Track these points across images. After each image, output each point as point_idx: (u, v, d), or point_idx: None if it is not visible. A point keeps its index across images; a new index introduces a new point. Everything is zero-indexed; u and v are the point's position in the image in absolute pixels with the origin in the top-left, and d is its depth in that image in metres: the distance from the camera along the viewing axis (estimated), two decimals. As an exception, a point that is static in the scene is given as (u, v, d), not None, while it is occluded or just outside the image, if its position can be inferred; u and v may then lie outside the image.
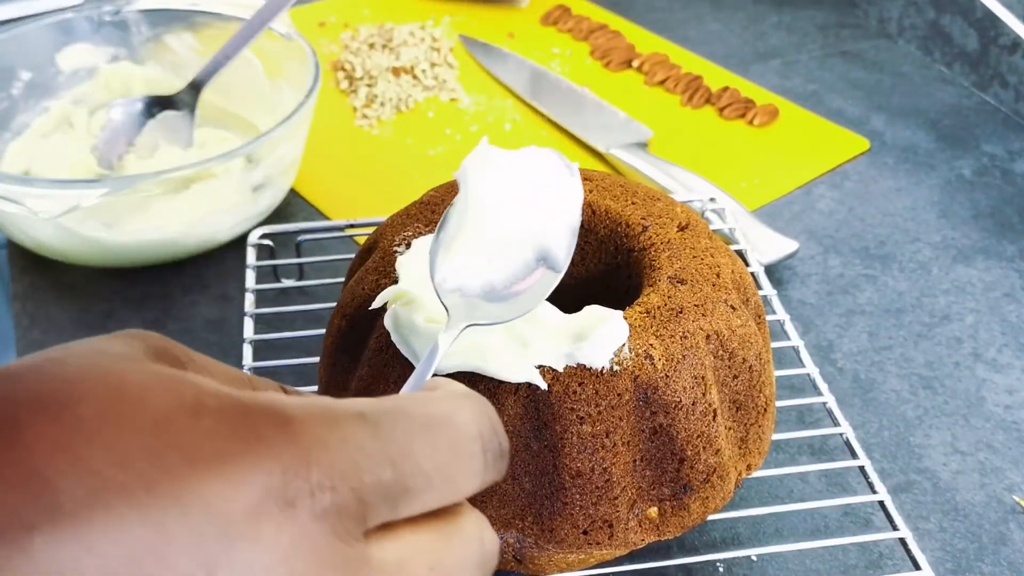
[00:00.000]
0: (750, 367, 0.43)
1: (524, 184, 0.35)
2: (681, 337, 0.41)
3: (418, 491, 0.22)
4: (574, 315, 0.41)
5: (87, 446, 0.19)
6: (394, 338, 0.40)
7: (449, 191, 0.48)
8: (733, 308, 0.43)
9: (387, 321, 0.40)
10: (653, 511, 0.41)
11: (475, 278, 0.33)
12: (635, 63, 0.85)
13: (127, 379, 0.21)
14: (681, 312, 0.41)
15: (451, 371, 0.39)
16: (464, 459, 0.23)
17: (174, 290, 0.62)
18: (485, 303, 0.33)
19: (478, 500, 0.40)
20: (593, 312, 0.41)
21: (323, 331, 0.48)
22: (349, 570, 0.21)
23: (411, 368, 0.40)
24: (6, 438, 0.19)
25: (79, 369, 0.21)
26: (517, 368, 0.38)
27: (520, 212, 0.34)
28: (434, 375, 0.33)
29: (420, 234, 0.45)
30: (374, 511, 0.21)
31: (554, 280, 0.34)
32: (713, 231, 0.48)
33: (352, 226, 0.59)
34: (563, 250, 0.34)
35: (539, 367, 0.39)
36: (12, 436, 0.19)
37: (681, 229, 0.46)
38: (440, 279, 0.33)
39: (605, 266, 0.48)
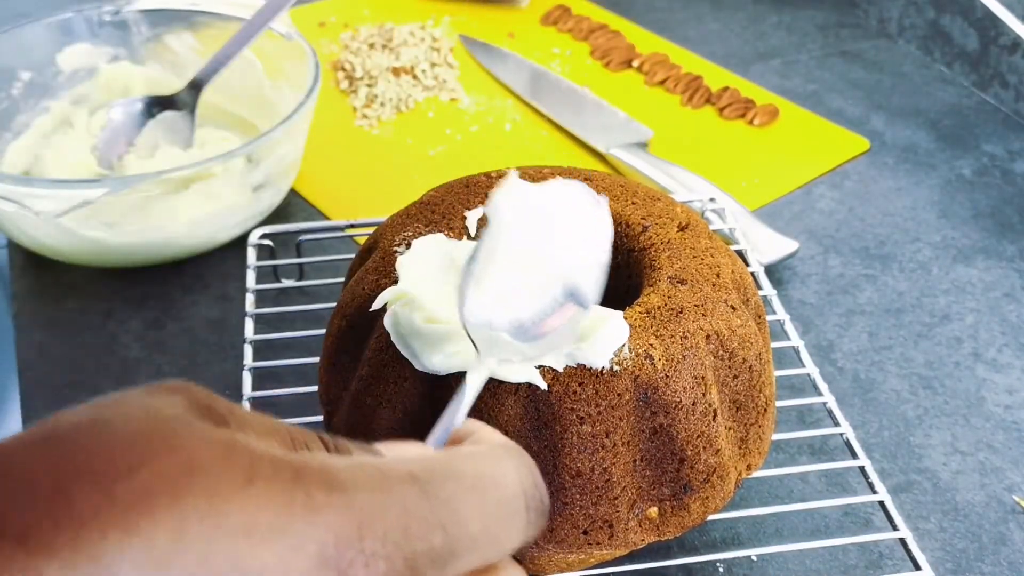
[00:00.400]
0: (750, 367, 0.43)
1: (553, 219, 0.34)
2: (681, 337, 0.41)
3: (465, 552, 0.22)
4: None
5: (141, 519, 0.19)
6: (393, 339, 0.40)
7: (449, 191, 0.48)
8: (733, 308, 0.43)
9: (387, 322, 0.40)
10: (653, 511, 0.41)
11: (504, 314, 0.33)
12: (635, 63, 0.85)
13: (179, 444, 0.20)
14: (681, 312, 0.41)
15: (452, 371, 0.39)
16: (509, 519, 0.24)
17: (174, 290, 0.62)
18: (513, 340, 0.32)
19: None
20: (594, 312, 0.41)
21: (323, 331, 0.48)
22: None
23: (411, 368, 0.40)
24: (57, 514, 0.19)
25: (128, 433, 0.20)
26: (517, 368, 0.38)
27: (550, 248, 0.34)
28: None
29: (420, 234, 0.45)
30: (426, 572, 0.21)
31: (582, 316, 0.33)
32: (713, 231, 0.48)
33: (352, 226, 0.59)
34: (592, 286, 0.33)
35: (539, 367, 0.39)
36: (64, 512, 0.19)
37: (681, 229, 0.46)
38: (468, 313, 0.33)
39: (605, 266, 0.48)
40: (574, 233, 0.34)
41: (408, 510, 0.21)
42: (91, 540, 0.18)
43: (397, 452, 0.26)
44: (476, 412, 0.39)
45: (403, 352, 0.40)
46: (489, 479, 0.23)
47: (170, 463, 0.20)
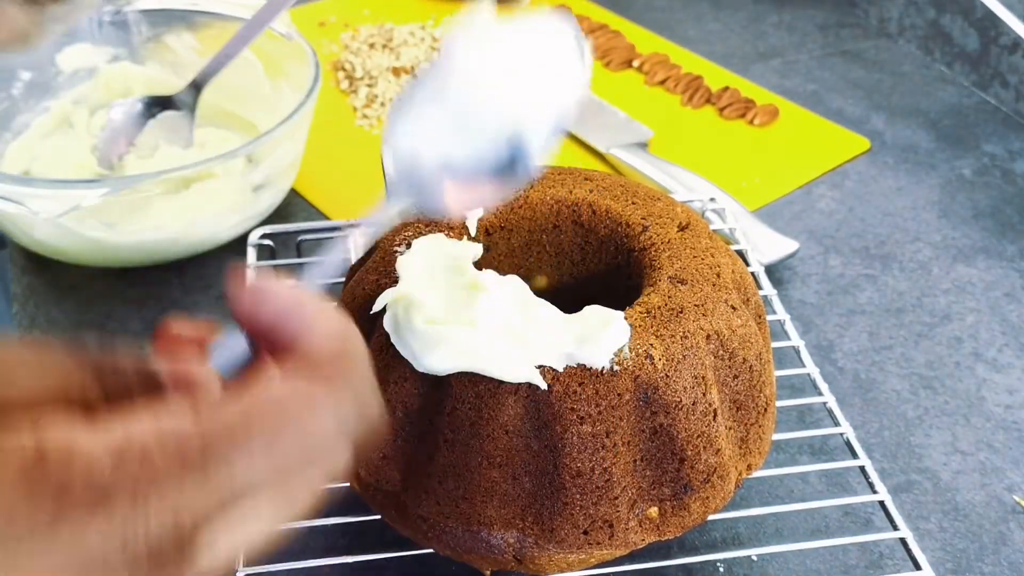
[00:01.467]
0: (750, 367, 0.43)
1: (518, 57, 0.29)
2: (681, 337, 0.41)
3: (243, 497, 0.22)
4: (575, 315, 0.41)
5: None
6: (393, 339, 0.40)
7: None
8: (733, 308, 0.43)
9: (386, 323, 0.40)
10: (653, 511, 0.41)
11: (433, 146, 0.29)
12: (635, 63, 0.85)
13: None
14: (681, 312, 0.41)
15: (452, 371, 0.39)
16: (312, 460, 0.23)
17: (174, 290, 0.62)
18: (433, 186, 0.28)
19: (478, 500, 0.40)
20: (594, 313, 0.41)
21: (323, 331, 0.48)
22: None
23: (411, 369, 0.40)
24: None
25: None
26: (517, 368, 0.38)
27: (503, 88, 0.29)
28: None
29: (420, 234, 0.45)
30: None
31: (514, 185, 0.29)
32: (713, 231, 0.48)
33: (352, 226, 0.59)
34: (539, 142, 0.29)
35: (539, 367, 0.39)
36: None
37: (681, 229, 0.46)
38: (392, 140, 0.29)
39: (605, 266, 0.48)
40: (539, 77, 0.30)
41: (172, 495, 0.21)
42: None
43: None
44: (476, 411, 0.39)
45: (403, 352, 0.40)
46: (288, 433, 0.22)
47: None
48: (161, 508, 0.20)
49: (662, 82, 0.82)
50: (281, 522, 0.23)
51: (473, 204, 0.29)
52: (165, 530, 0.20)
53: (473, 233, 0.46)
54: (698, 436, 0.40)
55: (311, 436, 0.23)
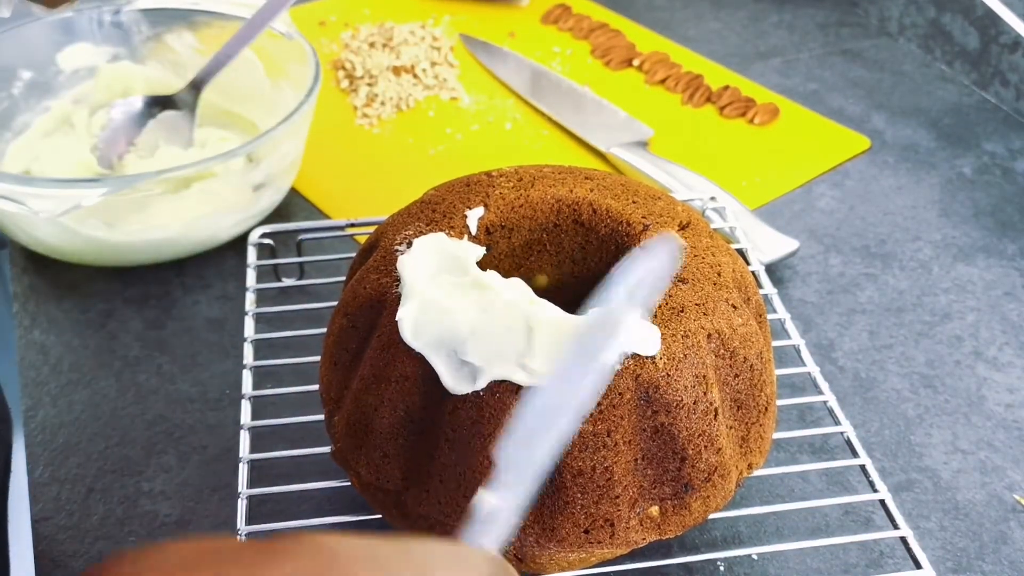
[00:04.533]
0: (751, 366, 0.43)
1: None
2: (682, 336, 0.41)
3: None
4: (579, 316, 0.41)
5: None
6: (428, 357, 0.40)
7: (450, 190, 0.48)
8: (734, 307, 0.43)
9: (424, 350, 0.40)
10: (654, 510, 0.41)
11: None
12: (635, 62, 0.85)
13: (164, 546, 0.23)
14: (682, 311, 0.41)
15: (452, 372, 0.39)
16: None
17: (175, 289, 0.62)
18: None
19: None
20: (598, 315, 0.40)
21: (324, 330, 0.48)
22: None
23: (413, 368, 0.40)
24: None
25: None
26: (519, 368, 0.38)
27: None
28: None
29: (421, 233, 0.45)
30: None
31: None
32: (714, 230, 0.48)
33: (353, 225, 0.59)
34: None
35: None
36: None
37: (682, 228, 0.46)
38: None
39: (606, 265, 0.48)
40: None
41: None
42: None
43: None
44: (477, 410, 0.39)
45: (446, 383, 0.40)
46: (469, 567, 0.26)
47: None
48: None
49: (662, 81, 0.82)
50: None
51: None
52: None
53: (474, 232, 0.46)
54: (699, 435, 0.40)
55: None
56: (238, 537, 0.43)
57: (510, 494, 0.30)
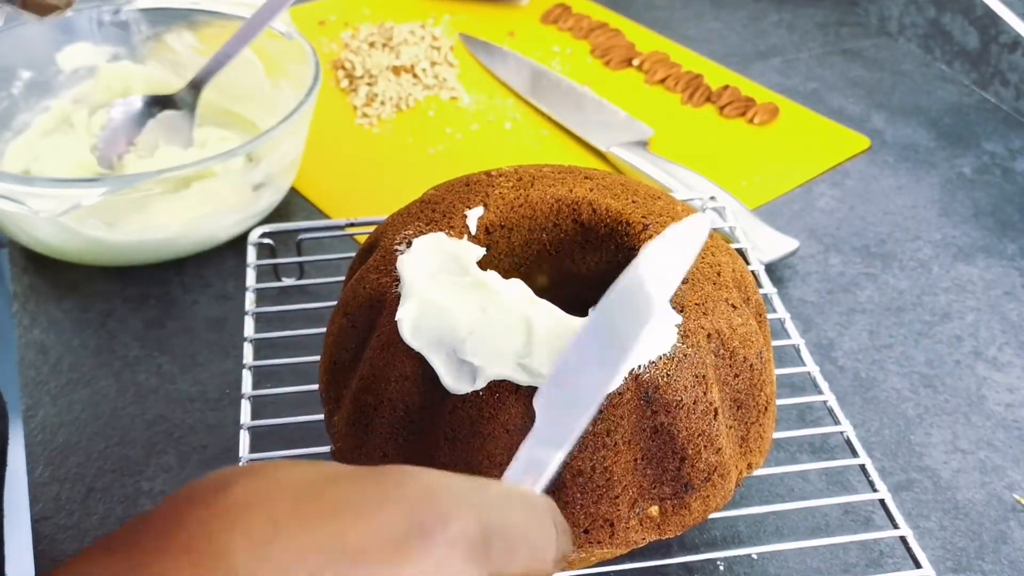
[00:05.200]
0: (751, 366, 0.43)
1: None
2: (682, 336, 0.41)
3: (517, 548, 0.26)
4: (581, 318, 0.41)
5: (238, 519, 0.23)
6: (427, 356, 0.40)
7: (449, 189, 0.48)
8: (734, 307, 0.43)
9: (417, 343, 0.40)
10: (654, 510, 0.41)
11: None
12: (635, 62, 0.85)
13: (266, 470, 0.25)
14: (682, 311, 0.41)
15: (452, 371, 0.39)
16: (545, 530, 0.27)
17: (174, 289, 0.62)
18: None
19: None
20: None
21: (324, 330, 0.48)
22: None
23: (412, 367, 0.40)
24: (169, 527, 0.23)
25: (218, 473, 0.25)
26: (519, 368, 0.38)
27: None
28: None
29: (421, 233, 0.45)
30: (494, 550, 0.25)
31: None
32: (714, 230, 0.48)
33: (352, 225, 0.59)
34: None
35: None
36: (175, 524, 0.24)
37: (682, 228, 0.46)
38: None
39: (606, 264, 0.48)
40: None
41: (470, 492, 0.25)
42: (202, 538, 0.23)
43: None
44: (477, 410, 0.39)
45: (445, 382, 0.40)
46: (525, 497, 0.28)
47: (259, 481, 0.24)
48: (462, 497, 0.26)
49: (662, 81, 0.82)
50: None
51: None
52: (471, 514, 0.25)
53: (474, 231, 0.46)
54: (699, 435, 0.40)
55: (540, 507, 0.28)
56: None
57: (551, 445, 0.32)
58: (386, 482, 0.25)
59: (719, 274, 0.44)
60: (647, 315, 0.35)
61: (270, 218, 0.66)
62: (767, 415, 0.44)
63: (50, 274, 0.63)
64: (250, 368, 0.50)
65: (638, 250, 0.46)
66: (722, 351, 0.42)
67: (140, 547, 0.23)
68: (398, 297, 0.42)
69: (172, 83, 0.70)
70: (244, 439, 0.47)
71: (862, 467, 0.47)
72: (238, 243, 0.63)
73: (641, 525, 0.41)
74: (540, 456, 0.31)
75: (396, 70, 0.82)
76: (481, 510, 0.25)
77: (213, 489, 0.24)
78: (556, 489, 0.39)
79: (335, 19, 0.91)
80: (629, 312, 0.35)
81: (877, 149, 0.76)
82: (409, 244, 0.44)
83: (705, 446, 0.41)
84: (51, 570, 0.24)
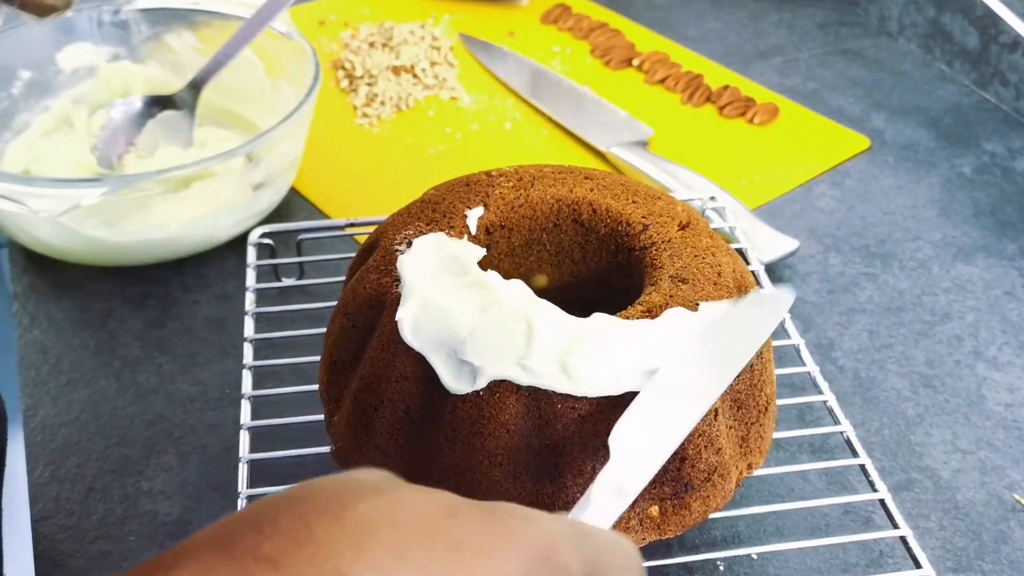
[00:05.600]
0: (751, 365, 0.43)
1: None
2: (682, 336, 0.41)
3: None
4: (581, 320, 0.41)
5: (367, 541, 0.22)
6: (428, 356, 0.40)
7: (449, 189, 0.48)
8: (734, 307, 0.43)
9: (417, 343, 0.40)
10: (654, 510, 0.41)
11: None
12: (635, 62, 0.85)
13: (387, 489, 0.24)
14: (682, 311, 0.41)
15: (452, 371, 0.39)
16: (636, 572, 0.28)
17: (174, 289, 0.62)
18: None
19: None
20: (600, 319, 0.40)
21: (324, 330, 0.48)
22: None
23: (412, 368, 0.40)
24: (298, 536, 0.22)
25: (342, 483, 0.25)
26: (519, 368, 0.38)
27: None
28: None
29: (421, 233, 0.45)
30: None
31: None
32: (714, 230, 0.48)
33: (352, 225, 0.59)
34: None
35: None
36: (304, 535, 0.22)
37: (682, 228, 0.46)
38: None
39: (606, 265, 0.48)
40: None
41: (583, 541, 0.26)
42: (328, 558, 0.22)
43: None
44: (477, 410, 0.39)
45: (446, 382, 0.40)
46: (619, 542, 0.29)
47: (384, 501, 0.24)
48: (578, 545, 0.26)
49: (662, 81, 0.82)
50: None
51: None
52: (586, 567, 0.26)
53: (474, 232, 0.46)
54: (699, 435, 0.40)
55: (633, 552, 0.29)
56: None
57: (623, 479, 0.33)
58: (505, 524, 0.25)
59: (719, 274, 0.44)
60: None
61: (270, 218, 0.66)
62: (767, 415, 0.45)
63: (50, 274, 0.63)
64: (250, 368, 0.50)
65: (638, 250, 0.46)
66: (722, 351, 0.42)
67: (266, 560, 0.22)
68: (398, 297, 0.42)
69: (172, 83, 0.70)
70: (244, 439, 0.47)
71: (862, 467, 0.47)
72: (238, 243, 0.63)
73: (641, 525, 0.41)
74: (621, 491, 0.33)
75: (396, 70, 0.82)
76: (591, 563, 0.26)
77: (339, 502, 0.24)
78: (556, 490, 0.39)
79: (335, 19, 0.91)
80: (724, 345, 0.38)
81: (877, 149, 0.76)
82: (409, 244, 0.44)
83: (705, 446, 0.41)
84: (154, 559, 0.23)
